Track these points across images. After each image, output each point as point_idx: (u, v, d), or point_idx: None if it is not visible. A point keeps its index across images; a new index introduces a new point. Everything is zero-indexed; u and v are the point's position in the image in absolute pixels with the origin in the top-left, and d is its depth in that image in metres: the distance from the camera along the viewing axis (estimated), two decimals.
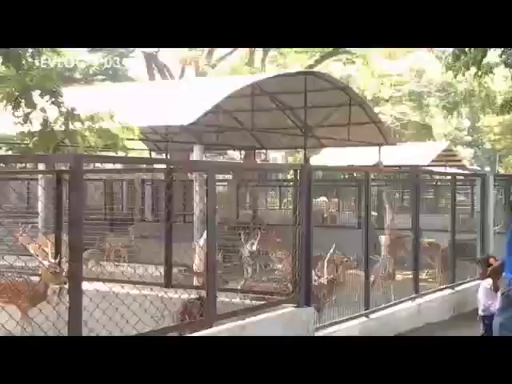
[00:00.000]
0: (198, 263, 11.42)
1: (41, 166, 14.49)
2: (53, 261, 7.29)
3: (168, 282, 7.29)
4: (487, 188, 10.71)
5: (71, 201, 4.27)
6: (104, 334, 5.17)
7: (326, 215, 22.32)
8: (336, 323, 7.38)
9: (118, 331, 5.10)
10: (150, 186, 21.83)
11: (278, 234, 13.58)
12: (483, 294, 7.48)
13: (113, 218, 19.95)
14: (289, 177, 33.01)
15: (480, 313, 7.47)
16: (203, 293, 6.57)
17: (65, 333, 4.57)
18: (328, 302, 8.33)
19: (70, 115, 8.60)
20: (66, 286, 6.54)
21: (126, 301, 5.61)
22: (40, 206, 16.09)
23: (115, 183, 21.78)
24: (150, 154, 24.03)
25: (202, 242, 11.79)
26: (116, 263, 13.25)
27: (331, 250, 8.57)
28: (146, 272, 7.73)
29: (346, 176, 30.41)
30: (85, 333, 4.59)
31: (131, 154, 21.01)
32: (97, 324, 5.45)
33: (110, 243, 15.79)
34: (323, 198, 26.08)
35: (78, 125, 8.74)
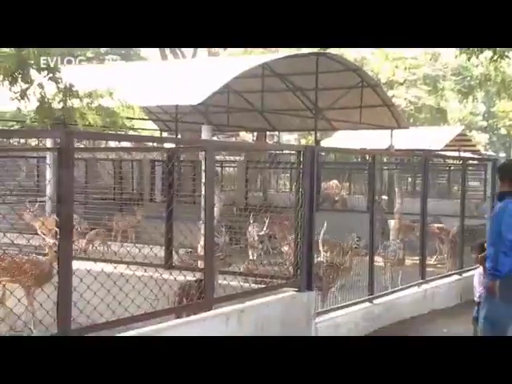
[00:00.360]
0: (202, 245, 11.33)
1: (49, 144, 14.46)
2: (55, 240, 7.18)
3: (168, 264, 7.18)
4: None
5: (60, 178, 4.13)
6: (96, 315, 5.04)
7: (337, 198, 22.06)
8: (338, 308, 7.24)
9: (109, 313, 4.98)
10: (161, 167, 21.71)
11: (287, 217, 13.43)
12: (477, 281, 7.42)
13: (122, 198, 19.84)
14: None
15: (475, 299, 7.37)
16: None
17: None
18: (332, 286, 8.20)
19: (68, 92, 8.43)
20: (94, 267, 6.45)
21: (119, 282, 5.48)
22: (48, 185, 15.93)
23: (125, 163, 21.65)
24: (161, 134, 23.91)
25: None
26: (122, 243, 13.15)
27: (322, 232, 8.46)
28: (150, 252, 7.59)
29: (359, 159, 30.13)
30: (75, 314, 4.49)
31: (143, 133, 21.01)
32: (88, 305, 5.31)
33: (116, 223, 15.74)
34: (335, 182, 25.85)
35: (76, 102, 8.56)
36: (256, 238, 12.47)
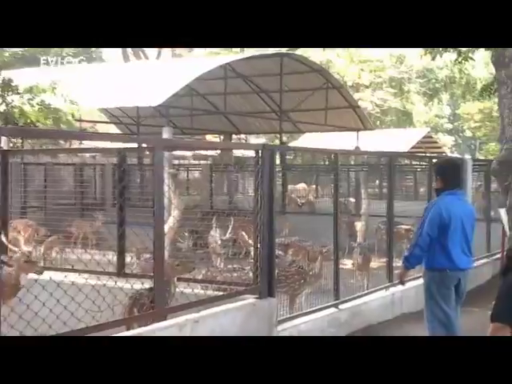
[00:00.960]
0: None
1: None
2: (25, 248, 6.67)
3: (120, 271, 6.74)
4: (465, 172, 10.25)
5: None
6: (45, 328, 4.59)
7: (303, 201, 21.76)
8: (302, 315, 6.87)
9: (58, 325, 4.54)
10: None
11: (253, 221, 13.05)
12: None
13: (83, 203, 19.28)
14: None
15: None
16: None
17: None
18: (299, 293, 7.85)
19: (6, 86, 7.90)
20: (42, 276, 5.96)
21: (68, 291, 5.05)
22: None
23: (87, 168, 21.08)
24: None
25: (165, 227, 11.26)
26: (82, 250, 12.64)
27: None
28: (105, 259, 7.14)
29: (326, 162, 29.95)
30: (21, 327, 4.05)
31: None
32: (36, 317, 4.88)
33: (76, 229, 15.23)
34: (302, 185, 25.60)
35: (16, 98, 8.04)
36: (219, 242, 12.02)
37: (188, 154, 30.15)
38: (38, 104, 8.08)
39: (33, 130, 6.80)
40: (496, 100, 9.75)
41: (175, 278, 6.10)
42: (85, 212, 17.64)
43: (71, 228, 15.17)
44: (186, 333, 5.04)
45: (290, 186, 23.99)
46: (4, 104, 7.81)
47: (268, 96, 20.44)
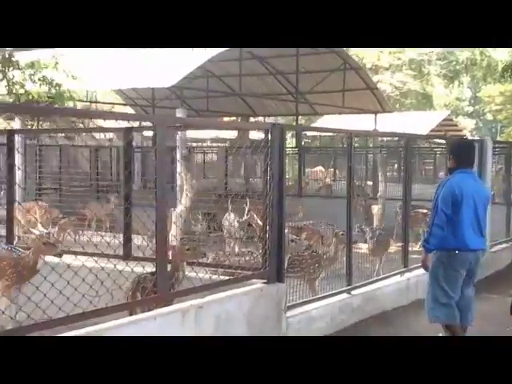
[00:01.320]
0: (173, 233, 10.71)
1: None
2: (44, 229, 6.50)
3: (127, 254, 6.55)
4: (485, 154, 9.93)
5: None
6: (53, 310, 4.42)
7: (321, 185, 21.52)
8: (313, 301, 6.65)
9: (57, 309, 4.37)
10: (140, 153, 21.07)
11: None
12: None
13: (99, 186, 19.19)
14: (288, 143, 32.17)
15: None
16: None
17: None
18: (315, 277, 7.63)
19: (7, 61, 7.68)
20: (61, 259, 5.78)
21: (64, 275, 4.87)
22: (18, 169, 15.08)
23: (103, 150, 20.97)
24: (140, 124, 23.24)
25: (178, 209, 11.06)
26: (92, 232, 12.52)
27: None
28: (115, 241, 6.96)
29: (345, 145, 29.58)
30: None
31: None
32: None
33: (91, 211, 15.15)
34: (320, 168, 25.34)
35: (17, 74, 7.81)
36: (236, 225, 11.76)
37: (206, 136, 30.01)
38: (39, 79, 7.85)
39: (31, 108, 6.54)
40: None
41: (184, 263, 5.91)
42: (100, 194, 17.54)
43: (85, 210, 15.10)
44: (190, 318, 4.85)
45: (307, 169, 23.77)
46: (5, 80, 7.59)
47: (284, 77, 20.16)
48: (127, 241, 6.57)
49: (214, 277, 6.30)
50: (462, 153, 6.08)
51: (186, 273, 5.80)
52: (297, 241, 8.73)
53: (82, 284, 4.85)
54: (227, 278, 5.96)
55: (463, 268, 5.95)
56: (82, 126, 18.32)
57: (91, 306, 4.56)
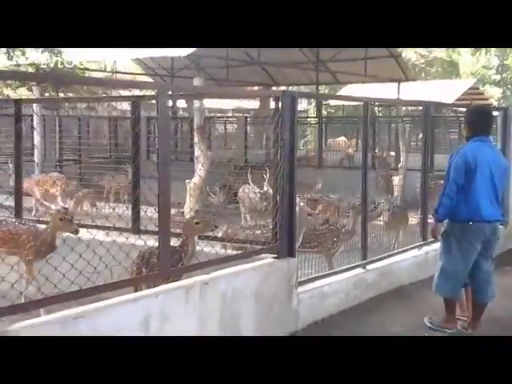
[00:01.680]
0: (188, 205, 10.56)
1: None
2: (62, 204, 6.35)
3: (135, 228, 6.39)
4: (509, 123, 9.55)
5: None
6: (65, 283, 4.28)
7: (343, 156, 21.20)
8: (325, 276, 6.42)
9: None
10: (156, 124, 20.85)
11: None
12: None
13: (118, 157, 19.08)
14: (310, 114, 31.78)
15: None
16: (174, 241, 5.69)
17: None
18: (334, 252, 7.41)
19: None
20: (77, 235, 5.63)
21: (77, 248, 4.72)
22: (36, 140, 14.97)
23: (120, 121, 20.81)
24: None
25: (194, 180, 10.87)
26: (109, 204, 12.40)
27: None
28: (127, 213, 6.79)
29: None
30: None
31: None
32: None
33: (109, 183, 15.06)
34: (342, 138, 24.99)
35: None
36: (258, 196, 11.36)
37: (228, 107, 29.68)
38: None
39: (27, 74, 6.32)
40: None
41: (195, 237, 5.72)
42: (119, 166, 17.43)
43: (103, 182, 15.02)
44: (195, 295, 4.66)
45: (329, 140, 23.42)
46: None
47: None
48: (136, 214, 6.39)
49: (223, 251, 6.12)
50: (477, 120, 5.83)
51: (198, 247, 5.61)
52: (314, 215, 8.49)
53: (93, 258, 4.66)
54: (236, 252, 5.76)
55: (478, 240, 5.70)
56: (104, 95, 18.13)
57: (100, 281, 4.40)
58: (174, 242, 5.50)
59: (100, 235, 5.85)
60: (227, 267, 5.18)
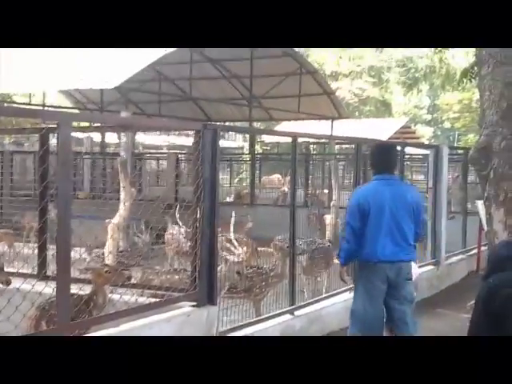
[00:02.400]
0: (107, 247, 9.93)
1: None
2: None
3: (40, 272, 5.80)
4: (440, 160, 9.42)
5: None
6: None
7: (278, 194, 20.93)
8: (250, 324, 5.96)
9: None
10: (89, 160, 20.18)
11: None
12: None
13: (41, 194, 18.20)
14: (245, 150, 31.58)
15: None
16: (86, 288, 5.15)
17: None
18: (261, 298, 6.94)
19: None
20: None
21: None
22: None
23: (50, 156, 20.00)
24: (90, 125, 22.40)
25: (115, 220, 10.25)
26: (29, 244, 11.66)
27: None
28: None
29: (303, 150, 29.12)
30: None
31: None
32: None
33: (29, 222, 14.25)
34: (277, 175, 24.78)
35: None
36: (181, 238, 10.74)
37: (161, 143, 29.16)
38: None
39: None
40: (476, 90, 9.02)
41: (105, 287, 5.19)
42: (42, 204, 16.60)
43: (23, 220, 14.23)
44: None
45: (264, 177, 23.16)
46: None
47: (239, 81, 19.52)
48: (43, 259, 5.81)
49: (141, 299, 5.59)
50: (378, 158, 5.62)
51: (116, 296, 5.08)
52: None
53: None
54: (153, 300, 5.24)
55: (379, 280, 5.42)
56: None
57: None
58: (85, 291, 4.98)
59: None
60: (142, 317, 4.67)
